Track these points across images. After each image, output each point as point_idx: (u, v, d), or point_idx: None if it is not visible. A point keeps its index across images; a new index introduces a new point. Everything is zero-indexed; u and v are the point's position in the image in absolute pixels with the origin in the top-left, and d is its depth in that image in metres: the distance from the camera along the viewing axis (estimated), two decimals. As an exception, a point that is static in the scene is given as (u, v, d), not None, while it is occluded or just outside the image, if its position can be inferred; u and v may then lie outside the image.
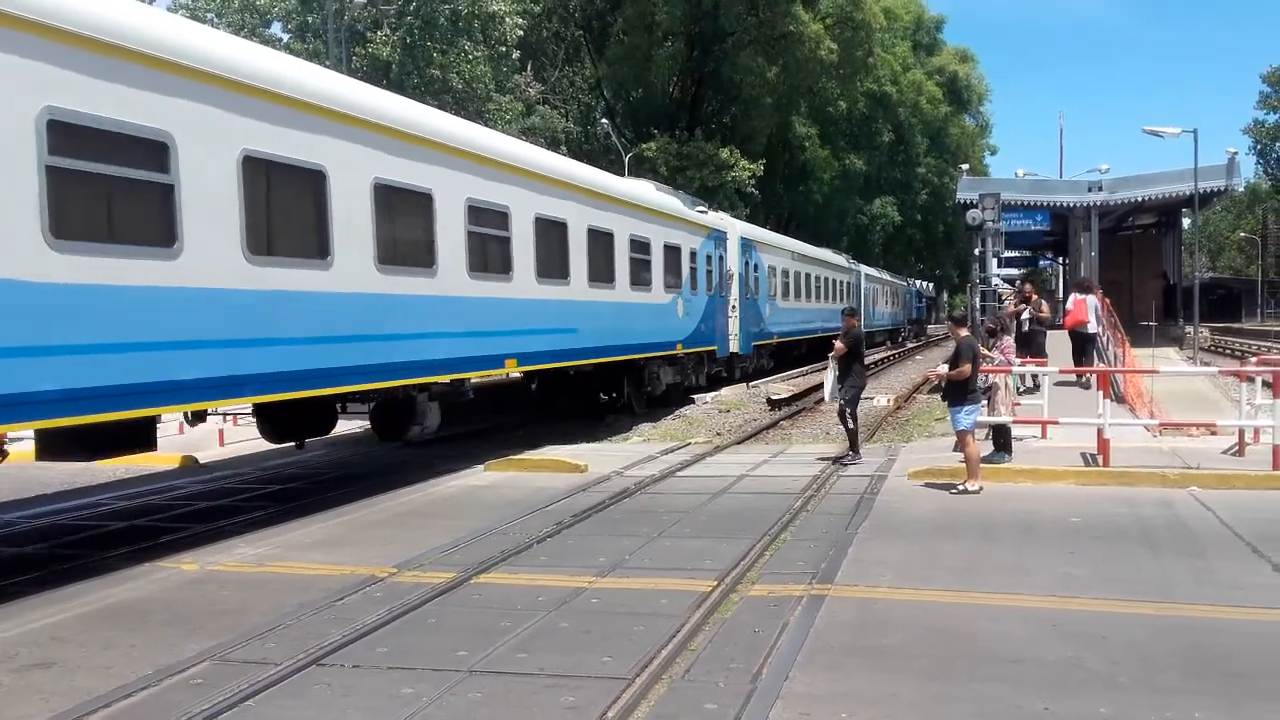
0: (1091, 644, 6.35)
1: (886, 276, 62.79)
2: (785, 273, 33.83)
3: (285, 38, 35.74)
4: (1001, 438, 13.33)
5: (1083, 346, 20.61)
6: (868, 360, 40.98)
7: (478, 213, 14.11)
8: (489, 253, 14.49)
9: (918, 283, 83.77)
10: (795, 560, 8.58)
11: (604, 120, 49.24)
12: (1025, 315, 19.77)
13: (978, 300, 24.69)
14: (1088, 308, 20.67)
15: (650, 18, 47.31)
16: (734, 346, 27.13)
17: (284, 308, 10.55)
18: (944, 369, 12.41)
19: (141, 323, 8.87)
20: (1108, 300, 26.38)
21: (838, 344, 14.41)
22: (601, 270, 18.20)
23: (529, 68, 44.72)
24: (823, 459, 14.39)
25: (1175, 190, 31.25)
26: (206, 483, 13.75)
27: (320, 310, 11.06)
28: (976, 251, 25.23)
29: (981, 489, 11.54)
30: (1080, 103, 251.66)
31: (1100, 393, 12.97)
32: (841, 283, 45.39)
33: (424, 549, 9.16)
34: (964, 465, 11.84)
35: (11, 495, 13.40)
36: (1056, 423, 14.00)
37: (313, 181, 10.94)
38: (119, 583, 8.26)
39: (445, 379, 13.52)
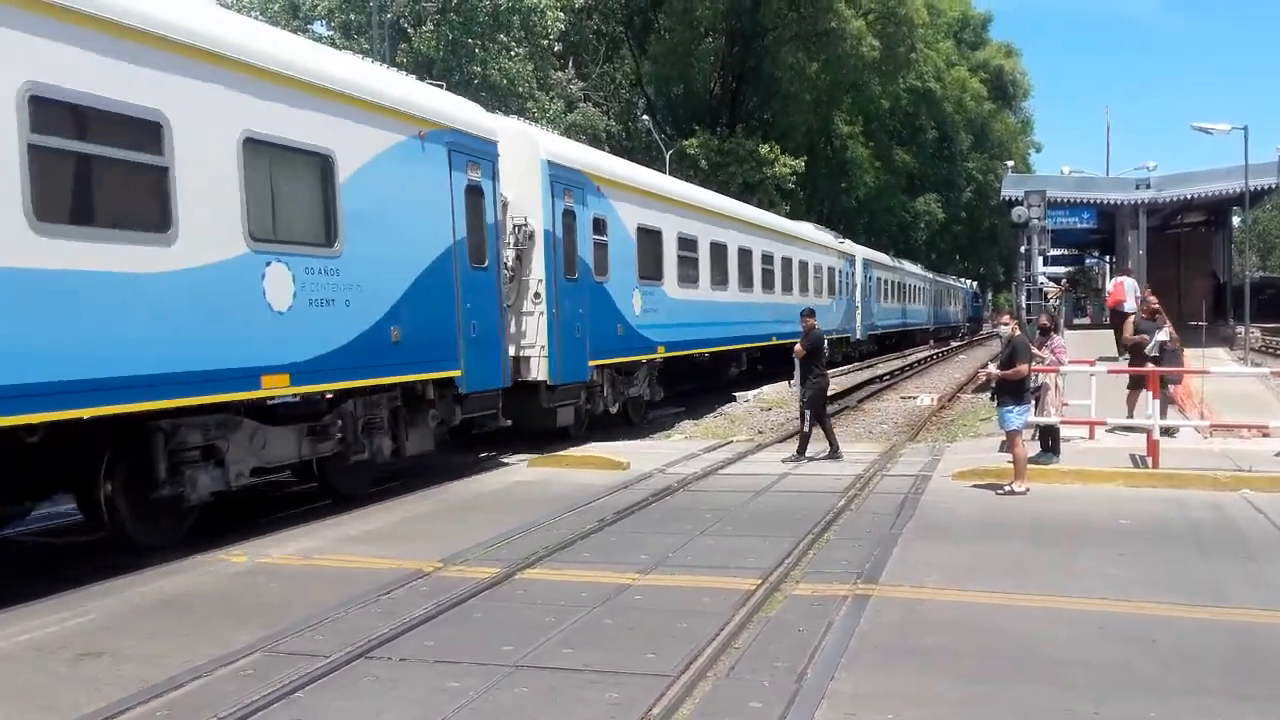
0: (1140, 647, 6.28)
1: (951, 281, 73.97)
2: (885, 281, 45.73)
3: (328, 34, 36.00)
4: (1050, 438, 13.18)
5: (1119, 325, 21.90)
6: (917, 357, 42.07)
7: (766, 257, 27.00)
8: (770, 280, 27.43)
9: (972, 283, 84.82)
10: (839, 559, 8.55)
11: (645, 117, 49.22)
12: (1160, 338, 14.85)
13: (1024, 299, 24.43)
14: (1126, 289, 23.12)
15: (692, 13, 47.24)
16: (859, 335, 39.32)
17: (752, 311, 24.96)
18: (994, 368, 12.27)
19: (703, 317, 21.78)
20: (1155, 299, 26.01)
21: (798, 347, 14.49)
22: (806, 285, 31.45)
23: (570, 65, 44.80)
24: (786, 460, 14.30)
25: (1225, 188, 30.66)
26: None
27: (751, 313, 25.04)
28: (1022, 250, 24.99)
29: (1028, 490, 11.42)
30: (1127, 99, 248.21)
31: (1149, 393, 12.80)
32: (921, 288, 57.57)
33: (468, 544, 9.22)
34: (1010, 466, 11.73)
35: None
36: (1104, 423, 13.83)
37: (742, 256, 24.99)
38: (170, 574, 8.40)
39: (753, 345, 25.86)
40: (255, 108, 9.67)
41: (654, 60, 50.13)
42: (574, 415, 16.33)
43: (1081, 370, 15.18)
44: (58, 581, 8.14)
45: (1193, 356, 21.63)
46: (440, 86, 14.48)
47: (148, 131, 8.57)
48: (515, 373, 14.57)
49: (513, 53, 35.33)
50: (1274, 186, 31.34)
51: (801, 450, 14.29)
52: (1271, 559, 8.46)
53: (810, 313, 15.13)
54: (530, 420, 15.47)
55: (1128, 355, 16.02)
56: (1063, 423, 13.42)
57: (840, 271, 36.05)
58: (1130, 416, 14.16)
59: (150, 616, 7.24)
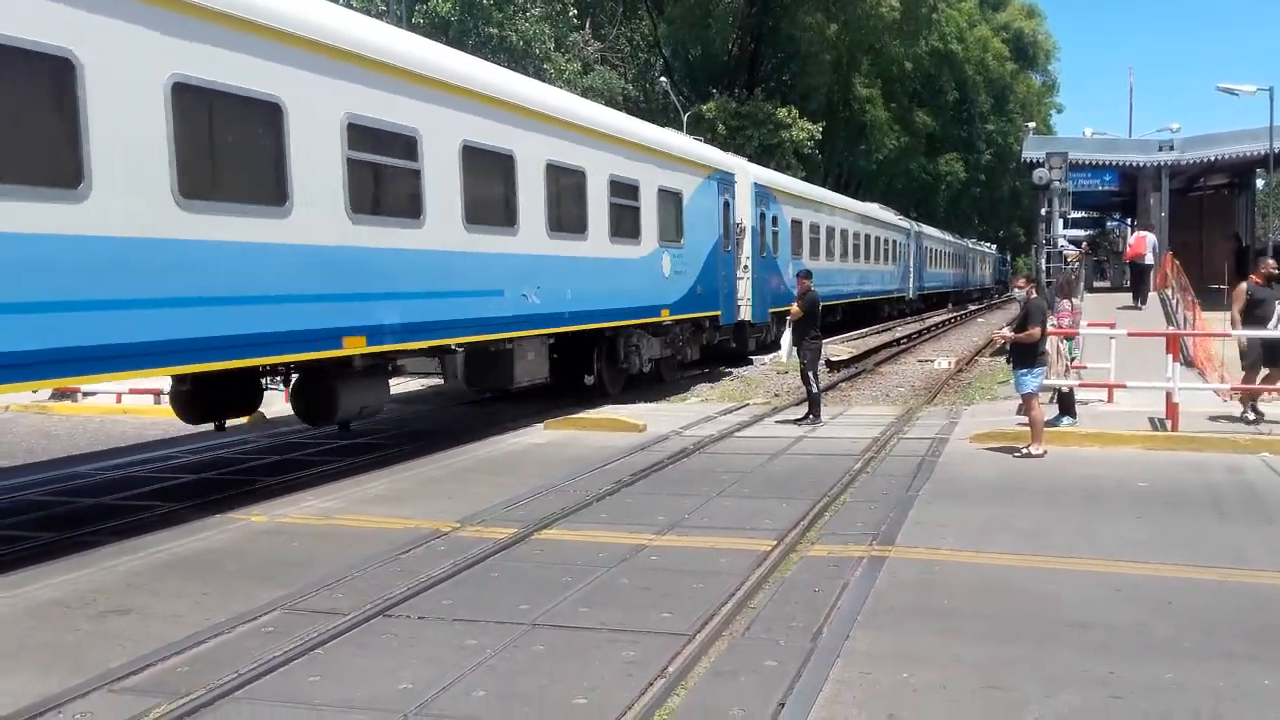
0: (1157, 609, 6.28)
1: (983, 248, 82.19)
2: (932, 250, 54.11)
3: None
4: (1065, 400, 13.14)
5: (1140, 275, 26.18)
6: (934, 320, 42.10)
7: (855, 235, 35.92)
8: (858, 252, 36.47)
9: (992, 246, 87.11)
10: (855, 521, 8.57)
11: (662, 79, 48.84)
12: None
13: (1044, 262, 24.25)
14: (1146, 244, 25.99)
15: (710, -28, 46.71)
16: (911, 294, 47.24)
17: (849, 276, 34.63)
18: (1008, 331, 12.23)
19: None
20: (1178, 262, 25.82)
21: (793, 308, 14.51)
22: (879, 254, 40.17)
23: (587, 26, 44.41)
24: (784, 421, 14.42)
25: (1249, 150, 30.32)
26: (274, 437, 14.03)
27: (848, 278, 34.77)
28: (1043, 212, 24.77)
29: (1045, 453, 11.41)
30: (1151, 60, 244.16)
31: (1169, 355, 12.73)
32: (959, 255, 65.79)
33: (486, 504, 9.29)
34: (1027, 429, 11.70)
35: (88, 447, 13.80)
36: (1124, 386, 13.76)
37: (842, 235, 34.83)
38: (192, 533, 8.49)
39: (846, 301, 34.63)
40: (660, 174, 17.95)
41: (671, 21, 49.63)
42: (756, 343, 24.40)
43: (1101, 333, 15.10)
44: (83, 541, 8.25)
45: (1214, 319, 21.48)
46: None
47: (634, 190, 16.86)
48: None
49: (529, 13, 35.06)
50: (1299, 148, 30.90)
51: (815, 414, 14.29)
52: (1290, 522, 8.43)
53: (807, 274, 15.07)
54: (737, 345, 23.55)
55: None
56: (1080, 385, 13.36)
57: (899, 243, 44.48)
58: (1252, 400, 13.03)
59: (172, 574, 7.33)
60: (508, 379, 13.86)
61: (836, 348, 26.88)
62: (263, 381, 11.75)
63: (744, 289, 22.82)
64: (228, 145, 9.19)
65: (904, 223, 46.47)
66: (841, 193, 43.44)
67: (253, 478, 11.01)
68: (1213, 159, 31.21)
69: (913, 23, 52.16)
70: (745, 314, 22.94)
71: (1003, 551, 7.63)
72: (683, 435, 13.25)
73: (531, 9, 35.32)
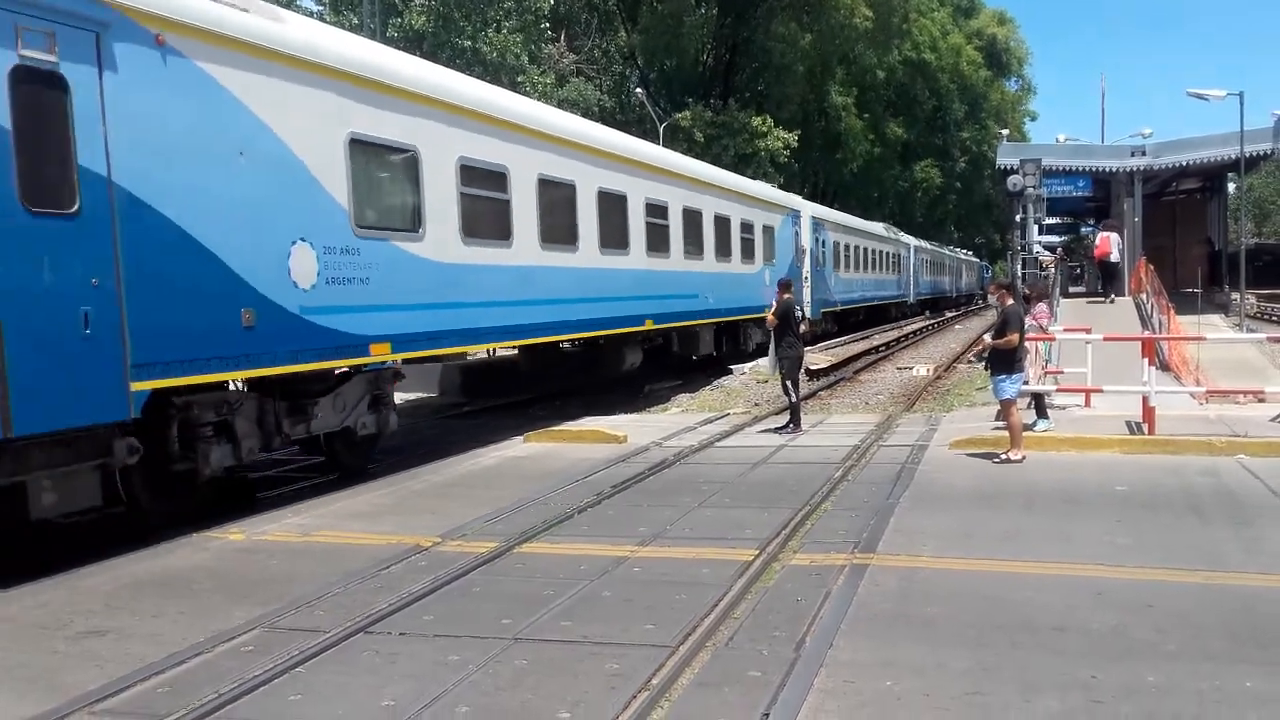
0: (1138, 613, 6.30)
1: (968, 257, 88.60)
2: (927, 261, 60.19)
3: (317, 9, 35.71)
4: (1039, 402, 13.23)
5: (1108, 273, 28.63)
6: (912, 327, 42.26)
7: (871, 250, 43.11)
8: (875, 265, 44.30)
9: (968, 253, 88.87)
10: (837, 529, 8.57)
11: (638, 90, 48.94)
12: None
13: (1019, 268, 24.39)
14: (1112, 243, 27.92)
15: (682, -16, 46.88)
16: (910, 299, 53.29)
17: (867, 285, 42.47)
18: (988, 338, 12.29)
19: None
20: (1151, 267, 26.03)
21: (769, 316, 14.63)
22: (888, 266, 46.94)
23: (562, 38, 44.47)
24: (764, 431, 14.50)
25: (1220, 154, 30.63)
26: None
27: (866, 286, 42.70)
28: (1018, 218, 24.93)
29: (1024, 458, 11.45)
30: (1123, 66, 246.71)
31: (1145, 359, 12.82)
32: (949, 264, 72.29)
33: (467, 519, 9.24)
34: (1006, 434, 11.75)
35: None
36: (1100, 391, 13.85)
37: (862, 251, 42.40)
38: (169, 552, 8.42)
39: (864, 305, 42.28)
40: (763, 215, 25.83)
41: (645, 32, 49.80)
42: (813, 336, 29.45)
43: (1077, 338, 15.20)
44: (58, 561, 8.15)
45: (1188, 323, 21.68)
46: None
47: (751, 227, 25.01)
48: None
49: (503, 25, 35.10)
50: (1269, 152, 31.28)
51: (795, 423, 14.32)
52: (1267, 523, 8.49)
53: (786, 285, 15.25)
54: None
55: None
56: (1058, 390, 13.42)
57: (901, 256, 51.37)
58: None
59: (150, 594, 7.26)
60: (697, 350, 21.78)
61: (816, 356, 26.95)
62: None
63: (805, 294, 30.23)
64: (614, 222, 16.95)
65: (905, 238, 54.00)
66: (818, 201, 44.15)
67: (230, 495, 10.90)
68: (1185, 164, 31.53)
69: (885, 32, 52.51)
70: (806, 312, 29.13)
71: (983, 557, 7.65)
72: (663, 446, 13.24)
73: (505, 22, 35.36)
